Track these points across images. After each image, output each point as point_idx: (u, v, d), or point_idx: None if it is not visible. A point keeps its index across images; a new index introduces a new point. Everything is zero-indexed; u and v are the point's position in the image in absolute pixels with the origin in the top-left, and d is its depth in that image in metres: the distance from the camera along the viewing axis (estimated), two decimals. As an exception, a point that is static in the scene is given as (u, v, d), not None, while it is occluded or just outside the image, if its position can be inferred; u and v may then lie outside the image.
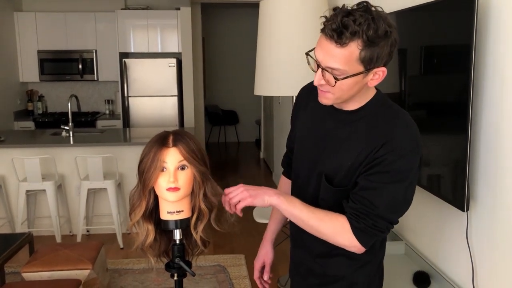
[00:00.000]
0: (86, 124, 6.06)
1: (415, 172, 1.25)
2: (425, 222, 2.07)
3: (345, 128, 1.31)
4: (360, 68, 1.16)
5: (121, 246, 4.12)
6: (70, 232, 4.42)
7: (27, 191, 4.09)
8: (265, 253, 1.66)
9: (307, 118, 1.45)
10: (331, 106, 1.33)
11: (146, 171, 1.25)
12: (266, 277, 1.64)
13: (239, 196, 1.31)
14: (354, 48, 1.12)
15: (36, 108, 6.45)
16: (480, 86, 1.60)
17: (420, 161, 1.26)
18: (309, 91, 1.47)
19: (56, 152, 4.21)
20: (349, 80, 1.17)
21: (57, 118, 6.14)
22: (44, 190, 4.05)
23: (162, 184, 1.26)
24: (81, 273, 2.84)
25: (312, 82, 1.48)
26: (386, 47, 1.15)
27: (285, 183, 1.66)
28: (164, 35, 6.22)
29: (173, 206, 1.29)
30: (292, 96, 3.18)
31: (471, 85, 1.53)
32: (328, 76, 1.19)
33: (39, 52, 6.17)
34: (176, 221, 1.31)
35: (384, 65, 1.19)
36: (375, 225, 1.24)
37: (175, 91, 6.14)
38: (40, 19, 6.16)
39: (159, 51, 6.24)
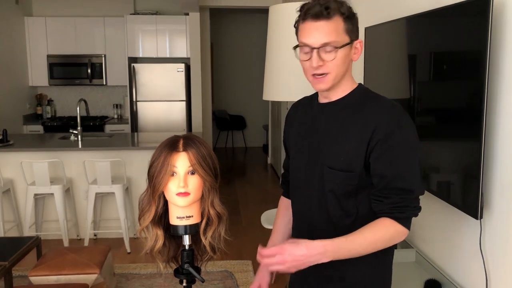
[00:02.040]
0: (94, 128, 6.08)
1: (418, 141, 1.32)
2: (437, 230, 2.04)
3: (336, 119, 1.35)
4: (347, 38, 1.29)
5: (128, 250, 4.11)
6: (77, 236, 4.42)
7: (35, 194, 4.09)
8: (262, 277, 1.61)
9: (298, 128, 1.48)
10: (319, 106, 1.41)
11: (156, 176, 1.24)
12: None
13: (282, 267, 1.23)
14: (339, 21, 1.28)
15: (45, 112, 6.48)
16: (495, 92, 1.58)
17: None
18: (296, 106, 1.54)
19: (65, 156, 4.22)
20: (343, 51, 1.29)
21: (65, 122, 6.16)
22: (52, 194, 4.06)
23: (172, 188, 1.24)
24: (88, 278, 2.83)
25: (300, 99, 1.56)
26: (357, 22, 1.33)
27: (284, 202, 1.65)
28: (173, 40, 6.24)
29: (183, 211, 1.28)
30: (301, 101, 3.16)
31: (485, 91, 1.51)
32: (325, 53, 1.28)
33: (48, 56, 6.21)
34: (185, 226, 1.29)
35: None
36: (415, 207, 1.29)
37: (183, 96, 6.15)
38: (50, 24, 6.20)
39: (168, 56, 6.26)
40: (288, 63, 2.84)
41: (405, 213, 1.28)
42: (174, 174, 1.25)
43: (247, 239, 4.33)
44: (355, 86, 1.38)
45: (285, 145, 1.59)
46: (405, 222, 1.29)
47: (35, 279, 2.81)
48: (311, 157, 1.40)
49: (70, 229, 4.30)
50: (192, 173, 1.25)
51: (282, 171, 1.66)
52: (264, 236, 3.97)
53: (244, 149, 9.29)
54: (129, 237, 4.16)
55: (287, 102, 5.56)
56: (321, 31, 1.28)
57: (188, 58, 6.21)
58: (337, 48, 1.28)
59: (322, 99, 1.41)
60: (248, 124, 9.33)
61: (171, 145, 1.26)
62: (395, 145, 1.27)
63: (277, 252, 1.23)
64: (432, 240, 2.09)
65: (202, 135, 5.59)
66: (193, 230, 1.31)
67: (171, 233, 1.32)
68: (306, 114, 1.46)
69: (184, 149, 1.25)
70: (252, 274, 3.67)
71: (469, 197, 1.63)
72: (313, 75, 1.31)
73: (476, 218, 1.58)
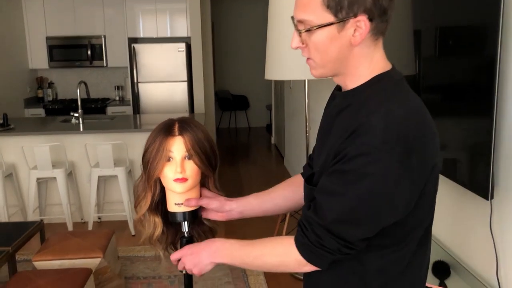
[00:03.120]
0: (96, 111, 6.03)
1: (391, 178, 0.92)
2: (445, 210, 1.99)
3: (336, 117, 1.06)
4: (329, 17, 0.95)
5: (133, 233, 4.10)
6: (81, 219, 4.41)
7: (38, 178, 4.07)
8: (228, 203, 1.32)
9: (322, 123, 1.23)
10: (334, 94, 1.15)
11: (151, 161, 1.19)
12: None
13: (184, 265, 1.20)
14: None
15: (46, 95, 6.42)
16: (507, 66, 1.50)
17: (408, 166, 0.93)
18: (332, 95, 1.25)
19: (66, 139, 4.18)
20: (320, 34, 0.97)
21: (67, 105, 6.11)
22: (55, 178, 4.03)
23: (169, 174, 1.20)
24: (92, 262, 2.81)
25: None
26: None
27: (296, 179, 1.37)
28: (173, 19, 6.13)
29: (181, 197, 1.24)
30: (305, 80, 3.09)
31: (497, 65, 1.44)
32: (301, 33, 1.00)
33: (47, 38, 6.12)
34: (184, 213, 1.25)
35: (368, 16, 0.95)
36: (320, 243, 0.99)
37: (184, 77, 6.07)
38: (48, 5, 6.09)
39: (168, 35, 6.16)
40: (290, 41, 2.77)
41: (304, 238, 1.02)
42: (171, 159, 1.20)
43: (252, 222, 4.30)
44: (373, 74, 1.02)
45: None
46: (302, 249, 1.02)
47: (38, 264, 2.79)
48: (316, 159, 1.15)
49: (74, 213, 4.29)
50: (189, 158, 1.21)
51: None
52: (270, 219, 3.97)
53: (248, 129, 9.24)
54: (133, 219, 4.14)
55: (290, 81, 5.48)
56: (295, 6, 1.01)
57: (189, 38, 6.10)
58: (311, 29, 0.97)
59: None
60: (251, 104, 9.25)
61: (166, 129, 1.21)
62: (346, 167, 0.94)
63: (182, 252, 1.21)
64: (440, 221, 2.04)
65: (205, 116, 5.53)
66: (192, 217, 1.27)
67: (170, 220, 1.28)
68: (328, 105, 1.18)
69: (180, 133, 1.21)
70: (257, 255, 3.65)
71: (479, 177, 1.57)
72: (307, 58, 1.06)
73: (487, 198, 1.53)
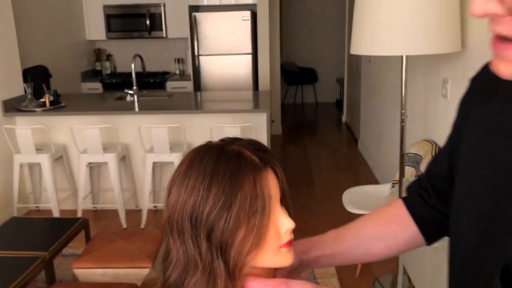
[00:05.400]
0: (155, 85, 5.63)
1: None
2: None
3: None
4: None
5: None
6: (136, 206, 4.05)
7: (89, 163, 3.72)
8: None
9: (482, 133, 0.72)
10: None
11: (246, 233, 0.66)
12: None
13: None
14: None
15: (104, 68, 6.10)
16: None
17: None
18: (486, 83, 0.73)
19: (119, 120, 3.78)
20: None
21: (125, 79, 5.74)
22: (106, 163, 3.66)
23: (273, 238, 0.70)
24: (139, 272, 2.40)
25: (485, 68, 0.74)
26: None
27: (395, 210, 0.92)
28: (238, -16, 5.53)
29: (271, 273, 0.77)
30: (402, 57, 2.43)
31: None
32: None
33: (105, 7, 5.73)
34: None
35: None
36: None
37: (249, 49, 5.49)
38: (105, -29, 5.69)
39: (233, 2, 5.58)
40: (386, 9, 2.12)
41: None
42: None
43: (322, 216, 3.75)
44: None
45: (451, 139, 0.83)
46: None
47: (79, 272, 2.41)
48: (491, 218, 0.67)
49: (128, 200, 3.93)
50: (281, 202, 0.73)
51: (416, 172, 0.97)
52: (344, 215, 3.31)
53: (315, 104, 8.57)
54: None
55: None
56: None
57: (255, 5, 5.49)
58: None
59: None
60: (320, 77, 8.54)
61: (245, 163, 0.67)
62: None
63: None
64: None
65: (270, 92, 4.96)
66: None
67: None
68: (488, 107, 0.71)
69: (266, 163, 0.70)
70: (331, 262, 3.11)
71: None
72: (496, 36, 0.53)
73: None
